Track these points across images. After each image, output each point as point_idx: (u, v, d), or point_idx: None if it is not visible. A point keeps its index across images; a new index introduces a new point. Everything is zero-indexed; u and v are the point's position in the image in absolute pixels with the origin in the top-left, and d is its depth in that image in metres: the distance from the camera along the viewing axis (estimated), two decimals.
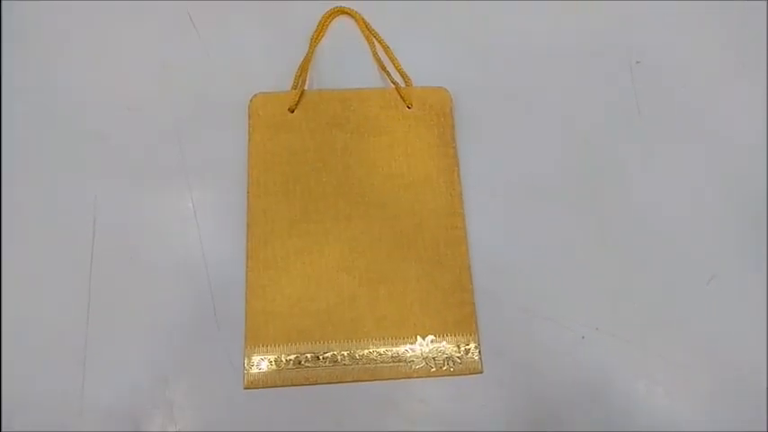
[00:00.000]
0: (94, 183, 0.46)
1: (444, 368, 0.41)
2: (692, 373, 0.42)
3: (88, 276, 0.44)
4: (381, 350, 0.42)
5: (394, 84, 0.47)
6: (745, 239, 0.46)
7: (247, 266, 0.43)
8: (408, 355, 0.42)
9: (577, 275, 0.44)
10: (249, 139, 0.46)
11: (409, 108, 0.47)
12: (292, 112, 0.47)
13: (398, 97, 0.47)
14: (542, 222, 0.46)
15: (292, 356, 0.41)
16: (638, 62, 0.50)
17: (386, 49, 0.49)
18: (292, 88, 0.48)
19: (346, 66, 0.50)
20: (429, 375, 0.41)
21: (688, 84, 0.50)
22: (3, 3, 0.51)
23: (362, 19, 0.50)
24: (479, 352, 0.42)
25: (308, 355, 0.42)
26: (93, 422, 0.41)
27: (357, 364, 0.41)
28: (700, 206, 0.46)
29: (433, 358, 0.42)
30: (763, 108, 0.49)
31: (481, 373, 0.42)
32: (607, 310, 0.44)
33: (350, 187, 0.45)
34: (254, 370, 0.41)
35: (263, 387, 0.41)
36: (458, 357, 0.42)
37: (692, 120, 0.49)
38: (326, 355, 0.42)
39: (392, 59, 0.49)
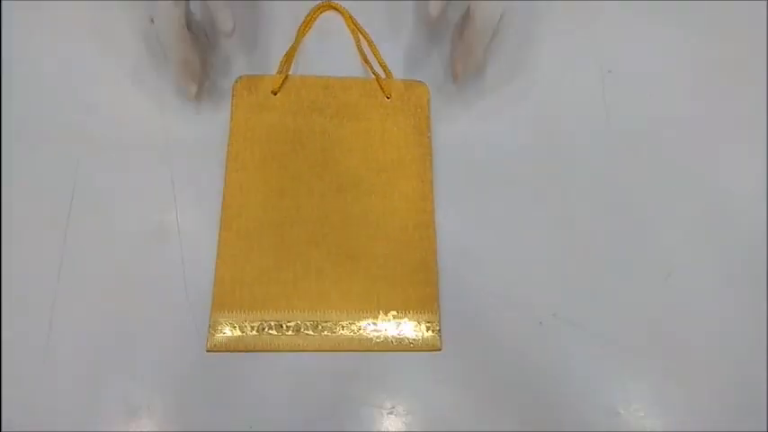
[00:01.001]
0: (79, 148, 0.47)
1: (404, 343, 0.42)
2: (644, 359, 0.44)
3: (63, 236, 0.45)
4: (344, 323, 0.43)
5: (375, 75, 0.50)
6: (704, 237, 0.47)
7: (220, 236, 0.44)
8: (370, 328, 0.43)
9: (538, 263, 0.46)
10: (231, 118, 0.48)
11: (388, 98, 0.49)
12: (275, 94, 0.49)
13: (378, 87, 0.49)
14: (508, 212, 0.47)
15: (256, 323, 0.42)
16: (609, 71, 0.53)
17: (370, 43, 0.51)
18: (277, 73, 0.50)
19: (331, 57, 0.52)
20: (389, 349, 0.42)
21: (655, 93, 0.52)
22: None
23: (348, 14, 0.53)
24: (439, 330, 0.43)
25: (272, 323, 0.42)
26: (55, 378, 0.41)
27: (319, 334, 0.42)
28: (661, 201, 0.48)
29: (395, 334, 0.43)
30: (723, 114, 0.52)
31: (440, 350, 0.42)
32: (565, 297, 0.45)
33: (325, 167, 0.47)
34: (218, 334, 0.42)
35: (224, 351, 0.42)
36: (418, 334, 0.43)
37: (656, 123, 0.51)
38: (290, 323, 0.42)
39: (375, 53, 0.51)
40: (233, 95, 0.48)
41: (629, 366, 0.43)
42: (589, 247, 0.47)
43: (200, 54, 0.46)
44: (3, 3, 0.52)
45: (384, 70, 0.50)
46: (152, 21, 0.43)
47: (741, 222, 0.48)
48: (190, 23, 0.45)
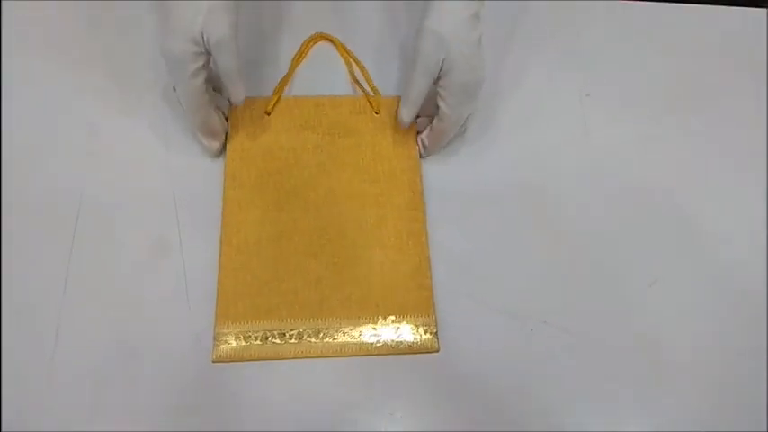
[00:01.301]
0: (84, 162, 0.49)
1: (403, 346, 0.44)
2: (633, 366, 0.46)
3: (69, 250, 0.46)
4: (345, 329, 0.44)
5: (363, 92, 0.52)
6: (680, 247, 0.50)
7: (221, 251, 0.46)
8: (370, 333, 0.44)
9: (528, 273, 0.48)
10: (228, 139, 0.50)
11: (377, 114, 0.52)
12: (269, 114, 0.51)
13: (368, 104, 0.52)
14: (496, 223, 0.50)
15: (260, 333, 0.44)
16: (587, 95, 0.56)
17: (361, 68, 0.54)
18: (272, 95, 0.52)
19: (322, 79, 0.54)
20: (389, 353, 0.44)
21: (631, 113, 0.56)
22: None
23: (340, 43, 0.55)
24: (436, 333, 0.45)
25: (275, 332, 0.44)
26: (60, 389, 0.42)
27: (321, 341, 0.44)
28: (642, 215, 0.51)
29: (394, 337, 0.44)
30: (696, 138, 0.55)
31: (437, 351, 0.44)
32: (556, 305, 0.47)
33: (320, 181, 0.49)
34: (223, 345, 0.43)
35: (230, 361, 0.43)
36: (416, 337, 0.44)
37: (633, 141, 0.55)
38: (292, 332, 0.44)
39: (365, 75, 0.54)
40: (229, 117, 0.50)
41: (619, 372, 0.46)
42: (575, 257, 0.49)
43: (220, 112, 0.49)
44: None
45: (373, 91, 0.53)
46: (174, 89, 0.45)
47: (719, 236, 0.51)
48: (210, 81, 0.46)
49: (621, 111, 0.56)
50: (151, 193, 0.49)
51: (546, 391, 0.44)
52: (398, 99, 0.52)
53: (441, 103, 0.46)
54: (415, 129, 0.51)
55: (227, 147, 0.50)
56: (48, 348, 0.43)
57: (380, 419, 0.43)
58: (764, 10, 0.62)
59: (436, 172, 0.51)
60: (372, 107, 0.52)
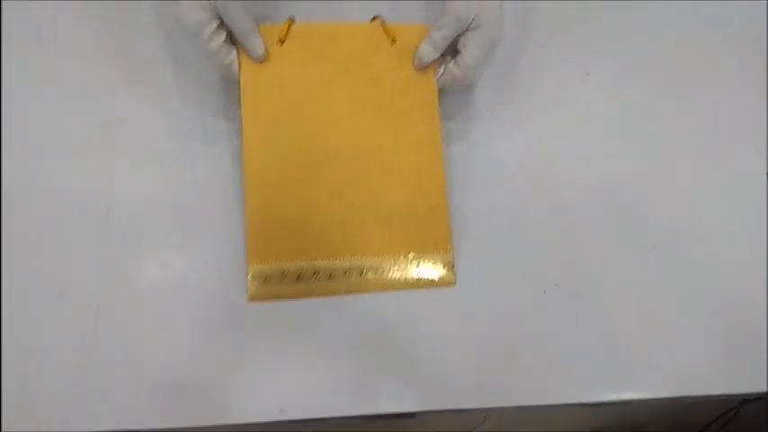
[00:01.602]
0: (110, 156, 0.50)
1: (423, 281, 0.48)
2: (635, 326, 0.50)
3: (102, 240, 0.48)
4: (369, 266, 0.48)
5: (378, 18, 0.50)
6: (679, 214, 0.54)
7: (245, 192, 0.47)
8: (393, 270, 0.48)
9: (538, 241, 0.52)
10: (240, 69, 0.48)
11: (393, 43, 0.50)
12: (282, 43, 0.49)
13: (383, 33, 0.50)
14: (504, 196, 0.52)
15: (290, 273, 0.47)
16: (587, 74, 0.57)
17: None
18: (285, 22, 0.49)
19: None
20: (411, 287, 0.48)
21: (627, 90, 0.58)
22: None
23: None
24: (453, 266, 0.48)
25: (305, 272, 0.47)
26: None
27: (348, 279, 0.47)
28: (639, 182, 0.54)
29: (414, 273, 0.48)
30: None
31: (454, 284, 0.48)
32: (566, 269, 0.51)
33: (338, 120, 0.49)
34: (257, 284, 0.46)
35: (265, 299, 0.47)
36: (435, 271, 0.48)
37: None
38: (321, 271, 0.47)
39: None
40: (239, 50, 0.48)
41: (621, 332, 0.50)
42: (581, 222, 0.53)
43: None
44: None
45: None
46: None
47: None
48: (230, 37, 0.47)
49: (620, 88, 0.57)
50: (176, 181, 0.50)
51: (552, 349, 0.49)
52: (416, 27, 0.50)
53: (464, 52, 0.47)
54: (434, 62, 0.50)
55: (241, 80, 0.48)
56: (90, 327, 0.46)
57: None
58: None
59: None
60: (388, 36, 0.50)
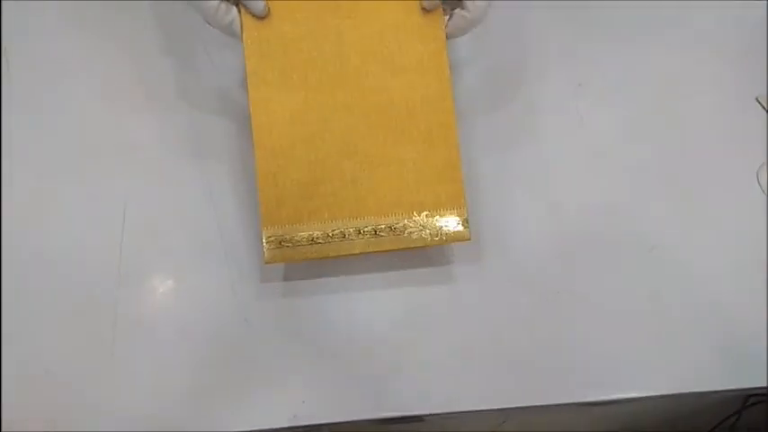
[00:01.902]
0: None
1: (438, 238, 0.48)
2: (635, 329, 0.51)
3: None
4: (383, 225, 0.48)
5: None
6: (676, 215, 0.54)
7: (256, 155, 0.47)
8: (407, 228, 0.48)
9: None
10: (242, 27, 0.47)
11: None
12: None
13: None
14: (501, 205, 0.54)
15: (305, 234, 0.47)
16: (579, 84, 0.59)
17: None
18: None
19: None
20: (426, 245, 0.48)
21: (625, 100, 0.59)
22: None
23: None
24: (467, 221, 0.48)
25: (319, 233, 0.47)
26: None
27: (362, 238, 0.47)
28: (640, 188, 0.55)
29: (428, 230, 0.48)
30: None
31: (469, 240, 0.48)
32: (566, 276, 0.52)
33: (346, 77, 0.48)
34: (272, 247, 0.47)
35: (280, 262, 0.47)
36: (449, 228, 0.48)
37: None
38: (335, 231, 0.47)
39: None
40: (240, 9, 0.47)
41: (622, 334, 0.51)
42: (580, 230, 0.53)
43: None
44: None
45: None
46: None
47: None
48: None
49: (613, 99, 0.58)
50: (189, 192, 0.53)
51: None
52: None
53: None
54: (440, 6, 0.48)
55: (244, 39, 0.47)
56: (107, 336, 0.49)
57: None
58: (752, 2, 0.63)
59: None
60: None
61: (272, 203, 0.47)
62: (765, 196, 0.55)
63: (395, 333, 0.50)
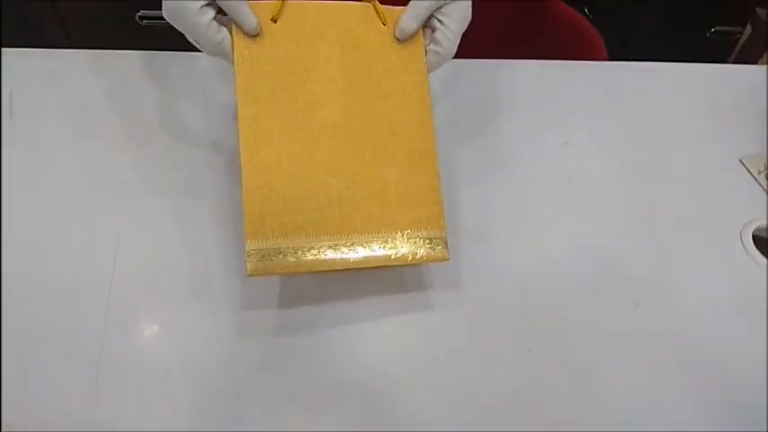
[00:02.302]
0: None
1: (418, 257, 0.49)
2: (619, 383, 0.51)
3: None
4: (366, 243, 0.48)
5: (371, 1, 0.51)
6: (661, 274, 0.57)
7: (243, 170, 0.47)
8: (389, 247, 0.49)
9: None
10: (234, 47, 0.48)
11: (384, 25, 0.51)
12: (275, 22, 0.49)
13: (375, 13, 0.51)
14: (490, 254, 0.56)
15: (288, 248, 0.47)
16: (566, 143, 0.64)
17: None
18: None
19: None
20: (406, 264, 0.49)
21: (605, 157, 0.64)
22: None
23: None
24: (446, 244, 0.50)
25: (302, 248, 0.48)
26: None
27: (346, 254, 0.48)
28: (619, 243, 0.58)
29: (410, 250, 0.49)
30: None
31: (448, 260, 0.50)
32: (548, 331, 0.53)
33: (334, 98, 0.49)
34: (254, 260, 0.47)
35: (263, 275, 0.47)
36: (429, 249, 0.49)
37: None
38: (318, 246, 0.48)
39: None
40: (232, 26, 0.48)
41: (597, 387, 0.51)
42: (563, 285, 0.55)
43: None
44: None
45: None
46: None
47: None
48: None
49: (597, 156, 0.63)
50: (181, 241, 0.54)
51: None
52: (402, 9, 0.51)
53: (442, 29, 0.50)
54: (422, 42, 0.51)
55: (235, 57, 0.48)
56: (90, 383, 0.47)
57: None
58: (718, 65, 0.72)
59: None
60: (380, 17, 0.51)
61: (257, 217, 0.47)
62: (749, 256, 0.57)
63: (377, 379, 0.49)
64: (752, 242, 0.59)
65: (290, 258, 0.47)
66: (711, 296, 0.55)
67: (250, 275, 0.47)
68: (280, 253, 0.47)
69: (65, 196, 0.55)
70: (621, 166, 0.63)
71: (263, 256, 0.47)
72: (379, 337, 0.51)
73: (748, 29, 1.36)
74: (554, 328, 0.53)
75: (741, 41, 1.39)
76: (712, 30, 1.38)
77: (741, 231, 0.59)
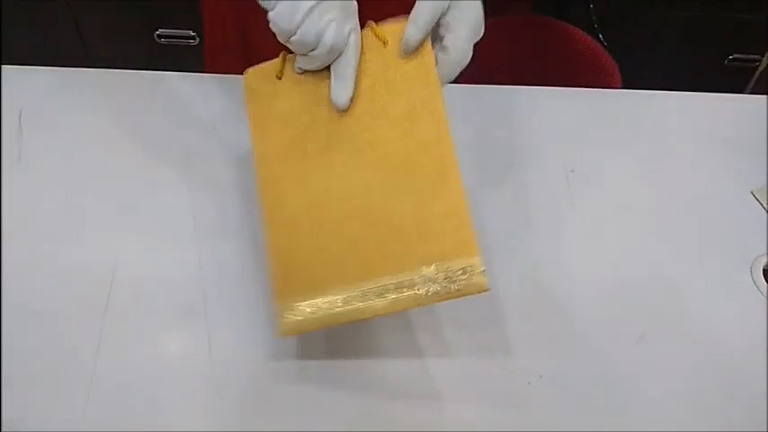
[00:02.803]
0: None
1: (452, 291, 0.44)
2: (622, 417, 0.49)
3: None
4: (392, 285, 0.44)
5: (367, 25, 0.48)
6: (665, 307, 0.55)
7: (267, 230, 0.47)
8: (418, 285, 0.44)
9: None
10: (248, 114, 0.49)
11: (385, 45, 0.48)
12: (280, 78, 0.49)
13: (374, 37, 0.48)
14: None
15: (314, 303, 0.45)
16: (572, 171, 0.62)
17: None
18: (279, 59, 0.50)
19: None
20: (440, 300, 0.44)
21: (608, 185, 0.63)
22: None
23: None
24: (483, 271, 0.43)
25: (328, 300, 0.45)
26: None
27: (373, 301, 0.44)
28: (624, 274, 0.56)
29: (441, 284, 0.44)
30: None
31: (488, 290, 0.43)
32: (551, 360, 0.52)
33: (340, 137, 0.47)
34: (284, 320, 0.45)
35: (292, 334, 0.45)
36: (462, 279, 0.44)
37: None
38: (344, 297, 0.45)
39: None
40: (245, 90, 0.49)
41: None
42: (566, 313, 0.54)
43: None
44: None
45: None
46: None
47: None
48: None
49: (603, 184, 0.62)
50: (179, 263, 0.53)
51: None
52: (405, 21, 0.47)
53: (450, 36, 0.46)
54: (430, 52, 0.47)
55: (250, 123, 0.49)
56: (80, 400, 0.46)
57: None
58: (731, 95, 0.71)
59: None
60: (380, 39, 0.48)
61: (282, 275, 0.46)
62: (758, 290, 0.55)
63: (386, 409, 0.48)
64: (762, 276, 0.57)
65: (314, 313, 0.45)
66: (719, 329, 0.54)
67: (283, 335, 0.45)
68: (304, 309, 0.45)
69: (65, 215, 0.55)
70: (631, 194, 0.62)
71: (292, 315, 0.45)
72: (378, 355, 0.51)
73: (767, 57, 1.36)
74: (556, 358, 0.51)
75: (760, 69, 1.39)
76: (730, 57, 1.37)
77: (751, 266, 0.57)
